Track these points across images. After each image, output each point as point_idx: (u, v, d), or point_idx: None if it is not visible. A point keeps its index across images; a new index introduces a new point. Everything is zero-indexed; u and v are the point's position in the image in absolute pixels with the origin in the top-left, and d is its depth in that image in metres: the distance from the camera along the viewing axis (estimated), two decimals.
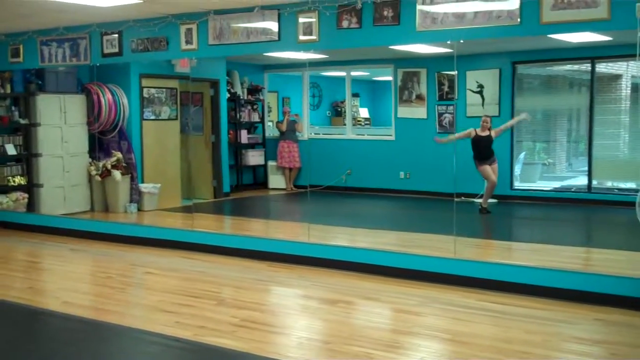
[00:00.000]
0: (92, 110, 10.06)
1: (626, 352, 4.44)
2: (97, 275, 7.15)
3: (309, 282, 6.42)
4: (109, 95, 10.11)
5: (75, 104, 10.00)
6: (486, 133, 9.81)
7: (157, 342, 4.72)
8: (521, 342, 4.60)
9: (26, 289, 6.33)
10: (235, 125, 12.65)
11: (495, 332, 4.88)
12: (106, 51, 8.62)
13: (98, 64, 8.90)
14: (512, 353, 4.37)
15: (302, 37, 7.12)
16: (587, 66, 10.67)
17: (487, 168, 9.75)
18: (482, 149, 9.82)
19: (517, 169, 11.34)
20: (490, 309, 5.43)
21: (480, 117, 10.13)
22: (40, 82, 9.81)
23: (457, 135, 10.13)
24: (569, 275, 5.74)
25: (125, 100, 10.26)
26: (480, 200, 10.06)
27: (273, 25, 7.33)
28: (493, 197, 10.38)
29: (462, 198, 9.76)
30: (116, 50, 8.54)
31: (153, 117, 10.65)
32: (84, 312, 5.44)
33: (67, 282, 6.70)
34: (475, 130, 9.84)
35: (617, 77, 11.04)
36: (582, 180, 10.83)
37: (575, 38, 8.59)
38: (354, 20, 6.84)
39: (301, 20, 7.13)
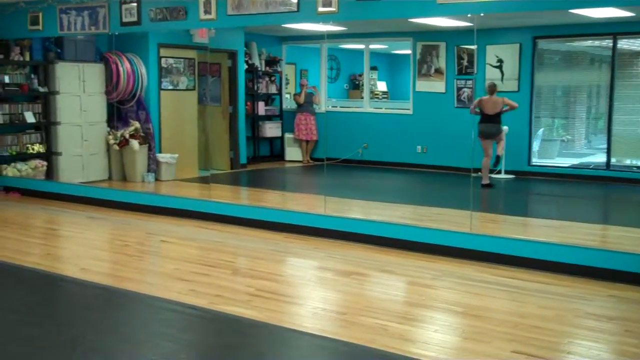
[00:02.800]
0: (111, 80, 10.09)
1: None
2: (114, 243, 7.22)
3: (324, 253, 6.44)
4: (127, 65, 10.13)
5: (93, 73, 10.03)
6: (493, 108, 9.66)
7: (172, 309, 4.77)
8: (535, 317, 4.61)
9: (45, 255, 6.41)
10: (253, 96, 12.64)
11: (509, 307, 4.89)
12: (125, 20, 8.61)
13: (117, 33, 8.90)
14: (526, 328, 4.38)
15: (321, 9, 7.07)
16: (608, 42, 10.55)
17: (487, 143, 9.66)
18: (488, 121, 9.68)
19: (536, 145, 11.27)
20: (505, 283, 5.43)
21: (502, 92, 10.04)
22: (59, 51, 9.83)
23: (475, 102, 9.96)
24: (585, 251, 5.72)
25: (143, 70, 10.27)
26: (498, 176, 10.06)
27: None
28: (510, 172, 10.36)
29: (479, 173, 9.72)
30: (135, 19, 8.52)
31: (171, 87, 10.66)
32: (101, 279, 5.50)
33: (84, 249, 6.76)
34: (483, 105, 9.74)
35: (639, 54, 10.90)
36: (601, 158, 10.76)
37: (597, 13, 8.49)
38: None
39: None
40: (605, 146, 10.63)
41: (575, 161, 11.43)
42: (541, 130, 11.44)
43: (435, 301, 5.09)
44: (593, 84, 11.33)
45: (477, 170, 9.65)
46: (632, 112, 10.67)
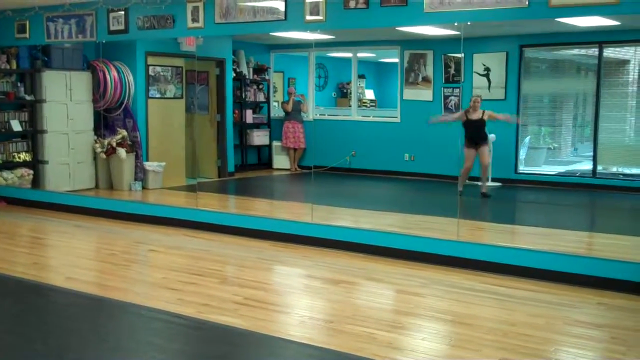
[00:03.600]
0: (98, 88, 10.05)
1: (628, 336, 4.45)
2: (101, 252, 7.18)
3: (312, 262, 6.43)
4: (114, 73, 10.10)
5: (80, 81, 9.99)
6: (477, 115, 9.58)
7: (160, 319, 4.74)
8: (524, 325, 4.61)
9: (31, 264, 6.36)
10: (241, 104, 12.64)
11: (498, 315, 4.89)
12: (112, 28, 8.58)
13: (104, 41, 8.88)
14: (515, 335, 4.39)
15: (308, 17, 7.08)
16: (594, 50, 10.62)
17: (471, 152, 9.60)
18: (473, 132, 9.61)
19: (522, 153, 11.32)
20: (493, 291, 5.43)
21: (489, 100, 10.08)
22: (46, 59, 9.80)
23: (448, 117, 10.00)
24: (573, 259, 5.74)
25: (130, 78, 10.24)
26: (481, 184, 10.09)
27: (280, 5, 7.29)
28: (497, 180, 10.38)
29: (466, 181, 9.73)
30: (122, 27, 8.50)
31: (158, 96, 10.64)
32: (87, 288, 5.47)
33: (71, 258, 6.72)
34: (465, 113, 9.66)
35: (624, 62, 10.98)
36: (587, 165, 10.81)
37: (583, 22, 8.54)
38: (361, 0, 6.79)
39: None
40: (591, 154, 10.68)
41: (561, 169, 11.49)
42: (528, 138, 11.49)
43: (423, 309, 5.09)
44: (579, 92, 11.40)
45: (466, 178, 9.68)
46: (618, 120, 10.74)
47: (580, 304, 5.14)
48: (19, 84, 9.65)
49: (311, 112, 13.23)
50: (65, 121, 9.85)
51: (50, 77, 9.69)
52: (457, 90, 11.48)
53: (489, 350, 4.12)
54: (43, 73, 9.64)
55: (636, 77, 10.72)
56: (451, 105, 11.54)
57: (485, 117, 9.61)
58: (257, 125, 13.13)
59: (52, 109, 9.71)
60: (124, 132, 10.05)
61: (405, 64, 12.05)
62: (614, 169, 10.88)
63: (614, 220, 8.64)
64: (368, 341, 4.27)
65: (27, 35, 9.35)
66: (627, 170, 10.78)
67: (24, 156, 9.66)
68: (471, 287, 5.53)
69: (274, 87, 13.85)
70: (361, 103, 15.15)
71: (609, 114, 10.63)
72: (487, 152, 9.72)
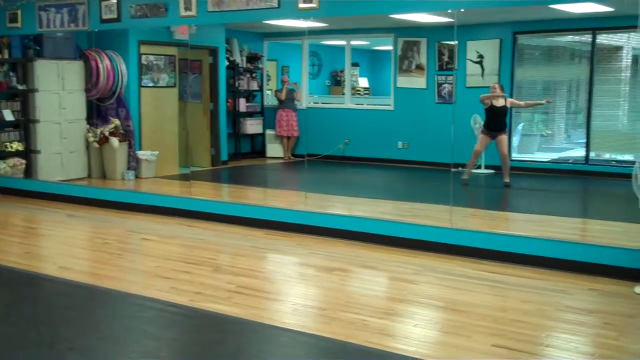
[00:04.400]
0: (90, 77, 10.01)
1: (619, 322, 4.47)
2: (94, 241, 7.17)
3: (306, 250, 6.44)
4: (107, 62, 10.06)
5: (73, 70, 9.95)
6: (501, 103, 9.63)
7: (153, 307, 4.74)
8: (516, 311, 4.63)
9: (23, 254, 6.35)
10: (234, 93, 12.61)
11: (491, 301, 4.91)
12: (105, 17, 8.55)
13: (96, 30, 8.84)
14: (507, 322, 4.40)
15: (302, 5, 7.06)
16: (588, 37, 10.62)
17: (486, 138, 9.66)
18: (494, 119, 9.61)
19: (515, 140, 11.33)
20: (486, 278, 5.45)
21: (482, 87, 10.09)
22: (38, 48, 9.75)
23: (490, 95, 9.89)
24: (565, 245, 5.76)
25: (123, 67, 10.20)
26: (478, 171, 10.09)
27: None
28: (490, 167, 10.40)
29: (460, 168, 9.74)
30: (115, 16, 8.46)
31: (151, 84, 10.60)
32: (81, 277, 5.47)
33: (64, 247, 6.72)
34: (491, 100, 9.64)
35: (617, 49, 10.98)
36: (580, 152, 10.83)
37: (576, 9, 8.56)
38: None
39: None
40: (584, 141, 10.70)
41: (554, 156, 11.51)
42: (521, 125, 11.50)
43: (416, 296, 5.10)
44: (573, 79, 11.39)
45: (458, 165, 9.68)
46: (611, 106, 10.75)
47: (572, 290, 5.16)
48: (11, 74, 9.60)
49: (305, 100, 13.20)
50: (57, 110, 9.81)
51: (43, 67, 9.64)
52: (450, 78, 11.47)
53: (481, 337, 4.13)
54: (35, 62, 9.60)
55: (629, 63, 10.71)
56: (444, 93, 11.54)
57: (508, 105, 9.64)
58: (250, 114, 13.10)
59: (45, 99, 9.67)
60: (117, 122, 10.02)
61: (399, 52, 12.03)
62: (606, 156, 10.90)
63: (607, 207, 8.67)
64: (361, 328, 4.28)
65: (18, 24, 9.30)
66: (619, 157, 10.80)
67: (17, 146, 9.62)
68: (464, 274, 5.55)
69: (268, 75, 13.81)
70: (355, 91, 15.13)
71: (602, 100, 10.64)
72: (505, 142, 9.66)
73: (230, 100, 12.42)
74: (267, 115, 13.21)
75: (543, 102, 10.40)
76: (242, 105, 12.80)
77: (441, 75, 11.61)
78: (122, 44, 10.25)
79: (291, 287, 5.43)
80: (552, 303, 4.87)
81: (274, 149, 13.04)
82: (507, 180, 9.64)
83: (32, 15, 9.15)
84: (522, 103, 10.07)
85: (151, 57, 10.58)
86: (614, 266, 5.43)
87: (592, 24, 10.21)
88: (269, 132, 13.07)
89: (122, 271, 5.79)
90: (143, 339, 4.20)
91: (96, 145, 9.95)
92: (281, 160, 12.81)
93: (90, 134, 10.00)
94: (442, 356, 3.87)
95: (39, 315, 4.64)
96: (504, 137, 9.64)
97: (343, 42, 13.27)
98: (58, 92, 9.81)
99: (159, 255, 6.32)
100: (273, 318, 4.53)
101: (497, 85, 9.74)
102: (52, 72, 9.72)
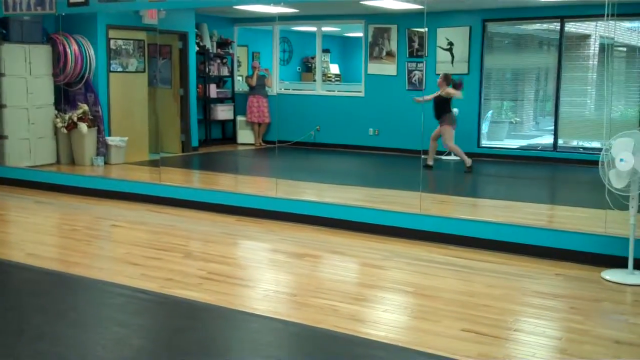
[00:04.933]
0: (58, 62, 9.88)
1: (585, 306, 4.55)
2: (62, 228, 7.11)
3: (276, 236, 6.45)
4: (75, 46, 9.93)
5: (40, 55, 9.80)
6: (442, 91, 9.85)
7: (123, 294, 4.73)
8: (483, 296, 4.69)
9: None
10: (204, 79, 12.54)
11: (458, 286, 4.96)
12: (72, 0, 8.43)
13: (64, 14, 8.73)
14: (474, 306, 4.46)
15: None
16: (556, 25, 10.72)
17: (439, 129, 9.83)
18: (435, 109, 9.90)
19: (484, 127, 11.42)
20: (454, 263, 5.51)
21: (452, 74, 10.16)
22: (4, 32, 9.58)
23: (429, 96, 10.06)
24: (531, 231, 5.84)
25: (91, 52, 10.08)
26: (448, 158, 10.18)
27: None
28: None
29: (435, 155, 9.82)
30: None
31: (120, 70, 10.50)
32: (49, 264, 5.42)
33: (32, 234, 6.65)
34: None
35: (585, 37, 11.10)
36: (548, 139, 10.95)
37: None
38: None
39: None
40: (552, 128, 10.82)
41: (523, 143, 11.63)
42: (490, 112, 11.59)
43: (385, 281, 5.15)
44: (541, 66, 11.51)
45: (427, 152, 9.75)
46: (578, 94, 10.89)
47: (538, 275, 5.24)
48: None
49: (275, 86, 13.18)
50: (25, 95, 9.67)
51: (9, 51, 9.49)
52: (420, 65, 11.52)
53: (449, 321, 4.19)
54: (1, 46, 9.44)
55: (597, 51, 10.84)
56: (415, 80, 11.59)
57: (444, 94, 9.74)
58: (221, 100, 13.04)
59: (11, 83, 9.53)
60: (85, 107, 9.91)
61: (370, 39, 12.04)
62: (574, 143, 11.04)
63: (573, 193, 8.79)
64: (331, 313, 4.31)
65: None
66: (587, 144, 10.95)
67: None
68: (432, 259, 5.61)
69: (238, 61, 13.75)
70: (326, 77, 15.14)
71: (570, 88, 10.77)
72: (445, 133, 9.77)
73: (200, 86, 12.35)
74: (238, 101, 13.17)
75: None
76: (213, 91, 12.74)
77: (411, 62, 11.65)
78: (91, 28, 10.13)
79: (262, 273, 5.45)
80: (519, 288, 4.95)
81: (245, 135, 13.01)
82: (467, 165, 9.76)
83: None
84: (458, 93, 9.99)
85: (120, 42, 10.48)
86: (579, 251, 5.52)
87: (561, 12, 10.32)
88: (240, 118, 13.03)
89: (91, 258, 5.76)
90: (113, 326, 4.19)
91: (64, 130, 9.84)
92: (252, 147, 12.78)
93: (58, 120, 9.89)
94: (411, 341, 3.91)
95: (6, 303, 4.59)
96: (443, 128, 9.78)
97: (314, 29, 13.26)
98: (25, 76, 9.66)
99: (128, 241, 6.29)
100: (244, 304, 4.54)
101: (441, 78, 9.93)
102: (19, 56, 9.57)
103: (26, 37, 9.70)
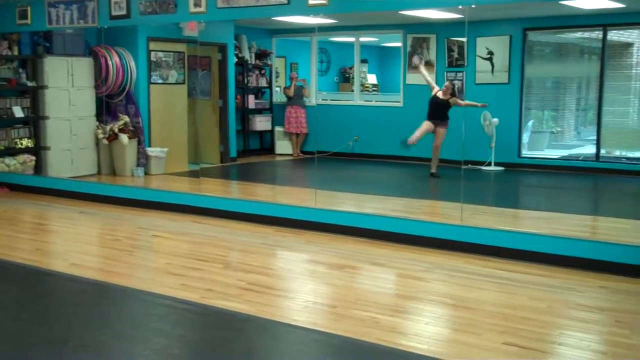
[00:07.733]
0: (100, 74, 10.03)
1: (630, 320, 4.45)
2: (104, 238, 7.19)
3: (316, 247, 6.44)
4: (116, 59, 10.08)
5: (82, 67, 9.97)
6: (446, 97, 10.04)
7: (163, 304, 4.75)
8: (526, 309, 4.62)
9: (34, 250, 6.37)
10: (243, 90, 12.61)
11: (500, 299, 4.90)
12: (114, 13, 8.55)
13: (106, 27, 8.85)
14: (517, 319, 4.39)
15: (311, 1, 7.04)
16: (598, 34, 10.57)
17: (427, 124, 10.13)
18: (434, 109, 10.12)
19: (525, 137, 11.29)
20: (495, 275, 5.44)
21: (492, 84, 10.10)
22: (47, 45, 9.77)
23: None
24: (575, 242, 5.74)
25: (132, 64, 10.22)
26: (488, 168, 10.07)
27: None
28: (500, 164, 10.37)
29: (469, 165, 9.73)
30: (124, 12, 8.47)
31: (160, 81, 10.62)
32: (91, 274, 5.48)
33: (74, 244, 6.73)
34: (439, 91, 10.15)
35: (628, 45, 10.93)
36: (590, 149, 10.79)
37: (587, 4, 8.51)
38: None
39: None
40: (594, 138, 10.66)
41: (564, 153, 11.47)
42: (531, 122, 11.46)
43: (426, 293, 5.09)
44: (583, 75, 11.36)
45: (468, 162, 9.67)
46: (621, 103, 10.71)
47: (582, 287, 5.14)
48: (20, 71, 9.63)
49: (313, 97, 13.20)
50: (67, 107, 9.84)
51: (52, 63, 9.67)
52: (460, 74, 11.44)
53: (491, 335, 4.12)
54: (45, 59, 9.62)
55: None
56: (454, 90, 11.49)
57: (453, 102, 10.05)
58: (259, 111, 13.11)
59: (54, 95, 9.70)
60: (126, 118, 10.04)
61: (408, 48, 12.00)
62: (617, 153, 10.86)
63: (616, 204, 8.63)
64: (372, 325, 4.28)
65: (28, 21, 9.32)
66: (630, 154, 10.76)
67: (26, 142, 9.66)
68: (474, 271, 5.54)
69: (276, 72, 13.81)
70: (363, 88, 15.10)
71: (613, 97, 10.60)
72: (442, 135, 10.12)
73: (239, 96, 12.43)
74: (276, 112, 13.22)
75: (479, 104, 10.37)
76: (251, 101, 12.81)
77: (451, 71, 11.58)
78: (132, 40, 10.27)
79: (302, 284, 5.43)
80: (563, 301, 4.86)
81: (283, 146, 13.04)
82: (433, 170, 10.09)
83: (41, 12, 9.16)
84: (462, 103, 10.21)
85: (160, 54, 10.60)
86: (624, 263, 5.41)
87: (603, 20, 10.18)
88: (278, 128, 13.07)
89: (132, 268, 5.80)
90: (153, 336, 4.20)
91: (105, 141, 9.97)
92: (290, 157, 12.81)
93: (99, 131, 10.03)
94: (454, 354, 3.86)
95: (49, 312, 4.65)
96: (442, 130, 10.08)
97: (352, 39, 13.25)
98: (67, 88, 9.83)
99: (169, 252, 6.33)
100: (284, 315, 4.53)
101: (450, 85, 10.28)
102: (61, 68, 9.74)
103: (69, 50, 9.88)
